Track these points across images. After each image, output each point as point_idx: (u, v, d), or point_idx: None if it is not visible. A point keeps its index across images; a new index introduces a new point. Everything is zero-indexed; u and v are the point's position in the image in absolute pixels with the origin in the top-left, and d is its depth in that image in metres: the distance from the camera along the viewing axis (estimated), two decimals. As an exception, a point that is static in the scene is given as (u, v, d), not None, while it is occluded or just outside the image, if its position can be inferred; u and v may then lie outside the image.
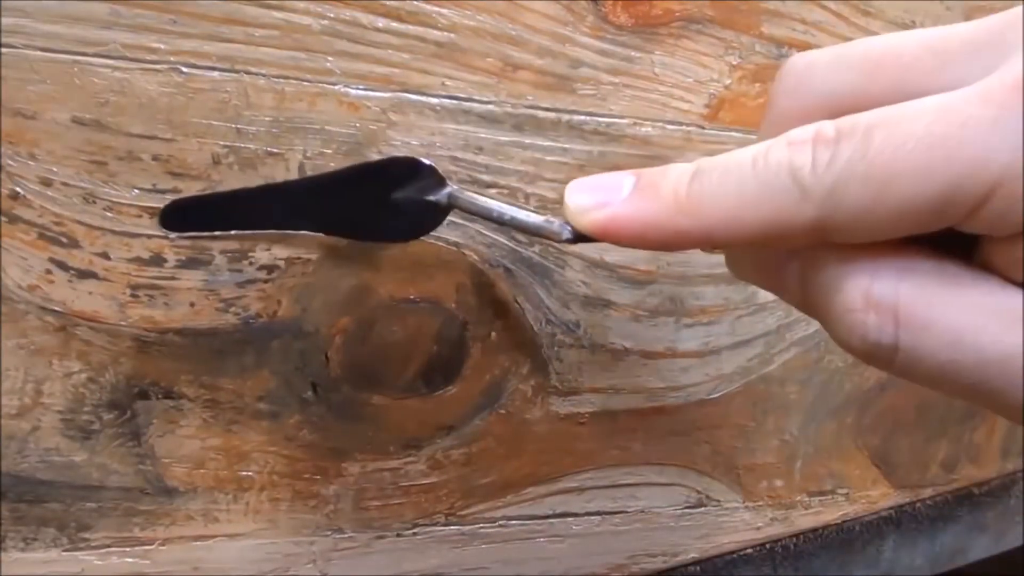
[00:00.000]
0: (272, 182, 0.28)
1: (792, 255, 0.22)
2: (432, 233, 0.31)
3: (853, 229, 0.19)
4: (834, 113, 0.21)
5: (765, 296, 0.41)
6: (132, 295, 0.28)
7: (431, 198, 0.27)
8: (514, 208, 0.26)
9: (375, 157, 0.30)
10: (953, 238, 0.20)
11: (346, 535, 0.33)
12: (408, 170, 0.27)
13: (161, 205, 0.27)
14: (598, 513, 0.39)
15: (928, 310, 0.19)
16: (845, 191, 0.19)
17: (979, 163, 0.18)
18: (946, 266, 0.20)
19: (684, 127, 0.36)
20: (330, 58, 0.28)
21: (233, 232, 0.28)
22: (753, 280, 0.25)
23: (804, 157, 0.20)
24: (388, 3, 0.29)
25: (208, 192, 0.28)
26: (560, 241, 0.25)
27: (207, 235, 0.28)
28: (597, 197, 0.23)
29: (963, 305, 0.19)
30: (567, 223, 0.24)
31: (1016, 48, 0.19)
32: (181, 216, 0.27)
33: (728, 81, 0.36)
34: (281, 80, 0.28)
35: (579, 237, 0.24)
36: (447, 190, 0.27)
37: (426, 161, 0.28)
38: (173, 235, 0.27)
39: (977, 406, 0.22)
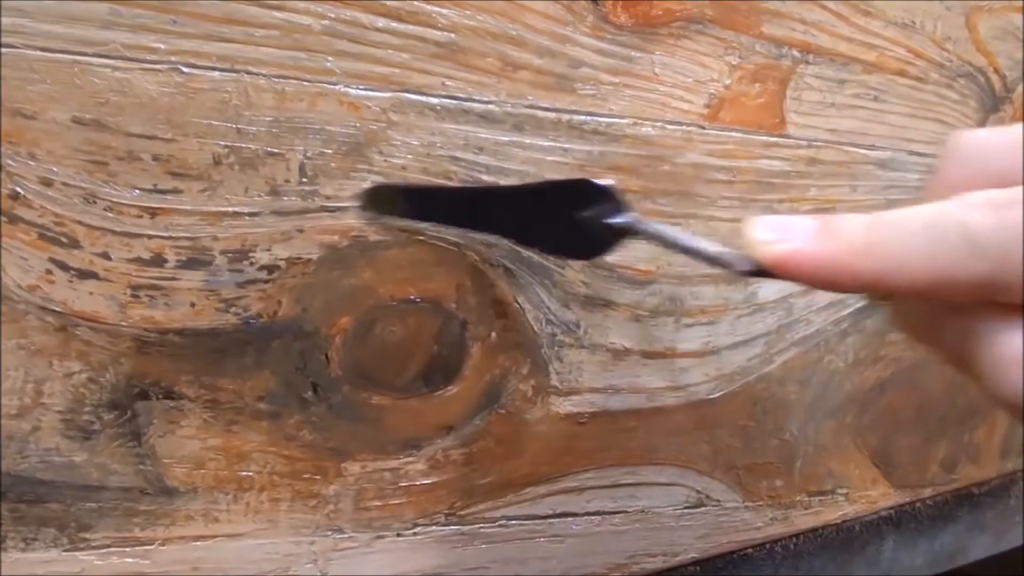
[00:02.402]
0: (470, 185, 0.31)
1: (955, 309, 0.24)
2: (431, 232, 0.31)
3: (1020, 289, 0.20)
4: (1001, 184, 0.22)
5: (765, 296, 0.41)
6: (132, 295, 0.28)
7: (613, 221, 0.28)
8: (694, 238, 0.27)
9: (376, 157, 0.30)
10: None
11: (346, 535, 0.33)
12: (594, 192, 0.28)
13: (162, 205, 0.27)
14: (598, 513, 0.39)
15: None
16: (1015, 250, 0.20)
17: None
18: None
19: (684, 127, 0.36)
20: (330, 58, 0.28)
21: (424, 224, 0.30)
22: (910, 331, 0.27)
23: (978, 217, 0.21)
24: (388, 3, 0.29)
25: (409, 183, 0.30)
26: (739, 272, 0.26)
27: (400, 223, 0.30)
28: (779, 233, 0.24)
29: None
30: (746, 256, 0.25)
31: None
32: (381, 200, 0.29)
33: (728, 81, 0.36)
34: (281, 80, 0.28)
35: (757, 270, 0.25)
36: (630, 215, 0.28)
37: (612, 185, 0.28)
38: (369, 217, 0.30)
39: None
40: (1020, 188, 0.21)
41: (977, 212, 0.21)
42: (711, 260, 0.26)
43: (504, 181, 0.32)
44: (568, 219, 0.28)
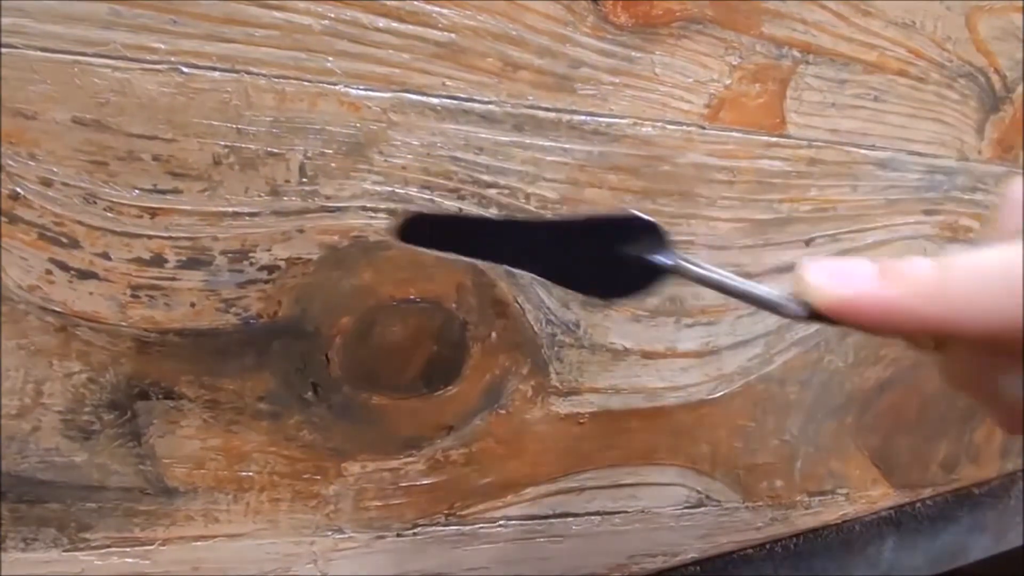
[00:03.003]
0: (510, 217, 0.30)
1: (1016, 359, 0.23)
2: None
3: None
4: None
5: (765, 296, 0.41)
6: (132, 295, 0.28)
7: (655, 260, 0.27)
8: (743, 280, 0.26)
9: (376, 157, 0.30)
10: None
11: (346, 535, 0.33)
12: (636, 228, 0.27)
13: (162, 205, 0.27)
14: (598, 513, 0.39)
15: None
16: None
17: None
18: None
19: (684, 127, 0.36)
20: (331, 58, 0.28)
21: (462, 257, 0.29)
22: (965, 387, 0.26)
23: None
24: (388, 3, 0.29)
25: (449, 213, 0.30)
26: (791, 317, 0.25)
27: (436, 252, 0.29)
28: (838, 278, 0.23)
29: None
30: (799, 299, 0.24)
31: None
32: (420, 231, 0.28)
33: (728, 81, 0.36)
34: (282, 80, 0.28)
35: (812, 315, 0.24)
36: (673, 254, 0.27)
37: (656, 222, 0.27)
38: (404, 245, 0.29)
39: None
40: None
41: None
42: (762, 304, 0.25)
43: (503, 181, 0.32)
44: (608, 255, 0.27)
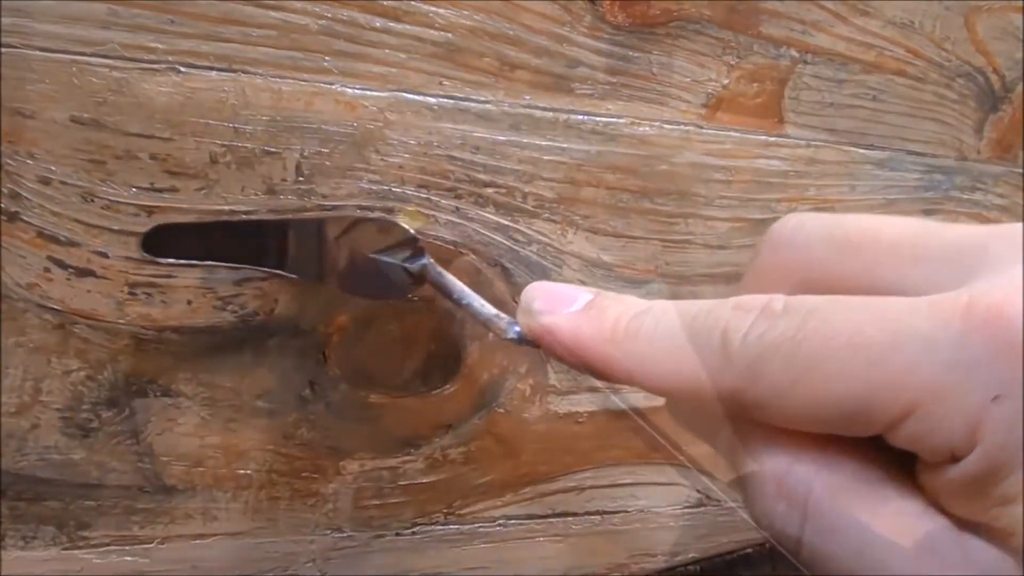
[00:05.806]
0: (258, 217, 0.28)
1: (726, 419, 0.21)
2: (430, 232, 0.31)
3: (769, 408, 0.19)
4: (811, 277, 0.20)
5: (764, 296, 0.41)
6: (130, 293, 0.28)
7: (408, 265, 0.28)
8: (474, 295, 0.27)
9: (373, 156, 0.30)
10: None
11: (345, 534, 0.33)
12: (390, 234, 0.28)
13: (159, 204, 0.27)
14: (598, 513, 0.39)
15: (838, 513, 0.18)
16: (766, 367, 0.18)
17: (900, 376, 0.17)
18: (871, 474, 0.19)
19: (682, 127, 0.36)
20: (327, 58, 0.28)
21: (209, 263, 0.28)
22: (688, 428, 0.24)
23: (742, 323, 0.19)
24: (385, 3, 0.29)
25: (189, 222, 0.28)
26: (505, 339, 0.25)
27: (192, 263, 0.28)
28: (550, 304, 0.22)
29: (875, 518, 0.18)
30: (515, 323, 0.24)
31: (990, 267, 0.18)
32: (164, 241, 0.27)
33: (726, 81, 0.36)
34: (278, 79, 0.28)
35: (523, 339, 0.24)
36: (423, 261, 0.28)
37: (411, 230, 0.28)
38: (160, 260, 0.28)
39: None
40: (800, 297, 0.19)
41: (744, 317, 0.19)
42: (483, 321, 0.26)
43: (500, 180, 0.32)
44: (365, 258, 0.28)
